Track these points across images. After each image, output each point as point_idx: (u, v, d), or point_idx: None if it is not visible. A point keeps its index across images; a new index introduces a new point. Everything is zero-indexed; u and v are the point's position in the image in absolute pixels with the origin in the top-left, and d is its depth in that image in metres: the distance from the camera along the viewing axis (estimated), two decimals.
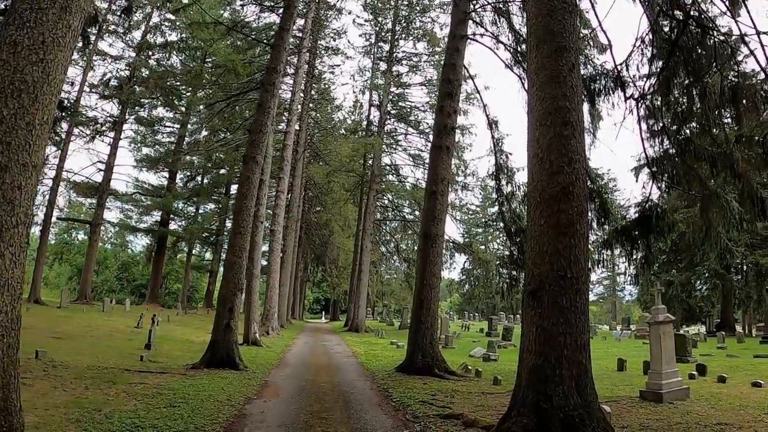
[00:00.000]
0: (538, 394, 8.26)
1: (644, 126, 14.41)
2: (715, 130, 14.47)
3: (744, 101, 13.67)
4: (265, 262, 36.70)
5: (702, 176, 13.86)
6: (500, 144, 21.56)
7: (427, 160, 21.49)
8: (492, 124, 21.84)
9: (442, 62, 21.19)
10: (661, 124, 14.40)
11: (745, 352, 26.46)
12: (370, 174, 44.14)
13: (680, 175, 14.37)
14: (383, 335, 36.33)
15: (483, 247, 70.29)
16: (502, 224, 21.72)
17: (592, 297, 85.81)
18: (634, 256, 15.49)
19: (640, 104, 14.13)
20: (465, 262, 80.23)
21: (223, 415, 10.39)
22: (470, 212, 70.78)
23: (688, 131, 14.81)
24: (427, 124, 43.62)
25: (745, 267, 42.07)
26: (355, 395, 13.25)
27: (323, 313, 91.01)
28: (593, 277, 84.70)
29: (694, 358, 22.45)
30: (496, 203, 21.98)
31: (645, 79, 14.66)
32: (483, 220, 78.67)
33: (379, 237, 54.27)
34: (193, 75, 33.40)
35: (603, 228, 17.40)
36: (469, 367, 18.36)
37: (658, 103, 14.54)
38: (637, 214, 15.53)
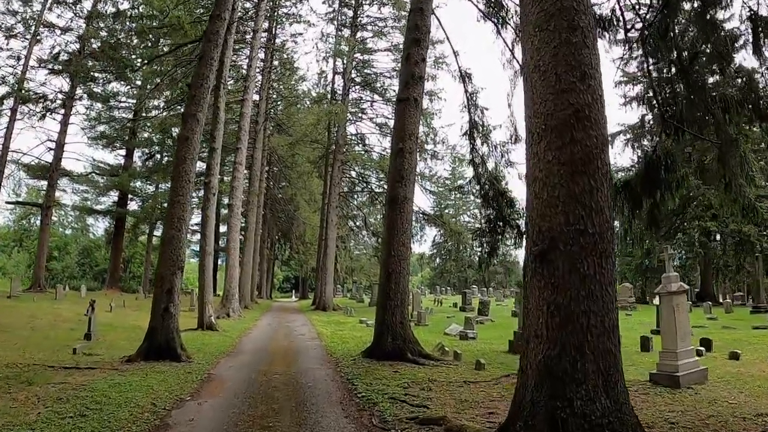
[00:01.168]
0: (553, 398, 5.89)
1: (651, 61, 11.96)
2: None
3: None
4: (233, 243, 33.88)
5: (719, 119, 11.46)
6: (474, 98, 19.07)
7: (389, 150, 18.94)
8: (465, 76, 19.34)
9: (407, 25, 18.71)
10: (668, 58, 11.96)
11: (739, 323, 24.62)
12: (335, 144, 41.27)
13: (691, 120, 11.94)
14: (352, 313, 33.76)
15: (453, 220, 67.94)
16: (477, 187, 19.24)
17: None
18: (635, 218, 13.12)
19: (647, 34, 11.63)
20: (435, 235, 78.26)
21: (138, 427, 7.88)
22: (440, 183, 68.58)
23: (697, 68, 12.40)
24: (394, 91, 40.87)
25: (723, 236, 40.36)
26: (312, 390, 10.81)
27: (293, 291, 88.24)
28: None
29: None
30: (471, 164, 19.48)
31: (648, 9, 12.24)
32: (456, 185, 76.48)
33: (347, 211, 51.67)
34: (137, 31, 30.15)
35: None
36: (446, 348, 16.00)
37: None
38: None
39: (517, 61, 17.49)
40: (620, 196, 12.83)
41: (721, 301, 39.87)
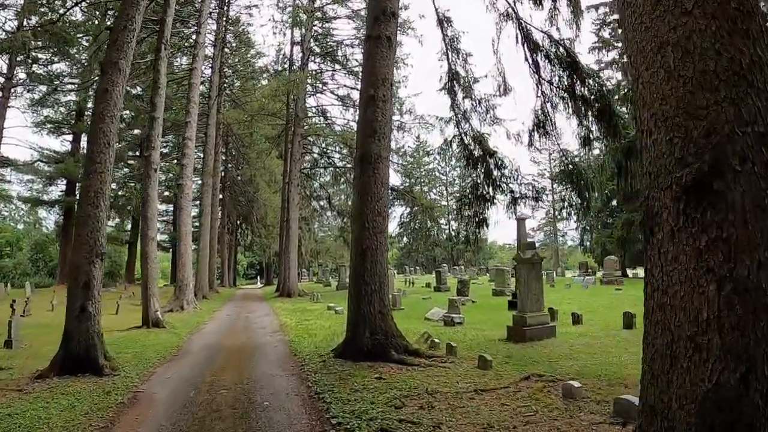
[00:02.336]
0: None
1: None
2: None
3: None
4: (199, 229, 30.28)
5: None
6: (455, 43, 16.03)
7: (358, 102, 15.67)
8: (443, 20, 16.20)
9: None
10: None
11: None
12: (294, 117, 37.64)
13: None
14: (319, 299, 30.36)
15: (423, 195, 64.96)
16: (458, 148, 16.24)
17: (510, 241, 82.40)
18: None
19: None
20: (403, 213, 75.22)
21: None
22: (408, 157, 65.53)
23: None
24: (357, 60, 37.55)
25: None
26: (269, 415, 7.72)
27: (258, 278, 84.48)
28: (533, 223, 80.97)
29: None
30: (451, 122, 16.45)
31: None
32: (424, 153, 73.69)
33: (310, 191, 48.24)
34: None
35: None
36: (435, 340, 13.04)
37: None
38: None
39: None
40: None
41: None
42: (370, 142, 12.08)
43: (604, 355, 11.73)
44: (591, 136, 13.87)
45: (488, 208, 16.13)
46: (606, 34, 44.40)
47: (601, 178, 15.09)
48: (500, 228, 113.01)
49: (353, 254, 12.35)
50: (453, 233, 73.79)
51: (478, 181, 15.95)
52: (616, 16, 39.01)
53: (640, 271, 57.04)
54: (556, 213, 73.27)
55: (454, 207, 74.44)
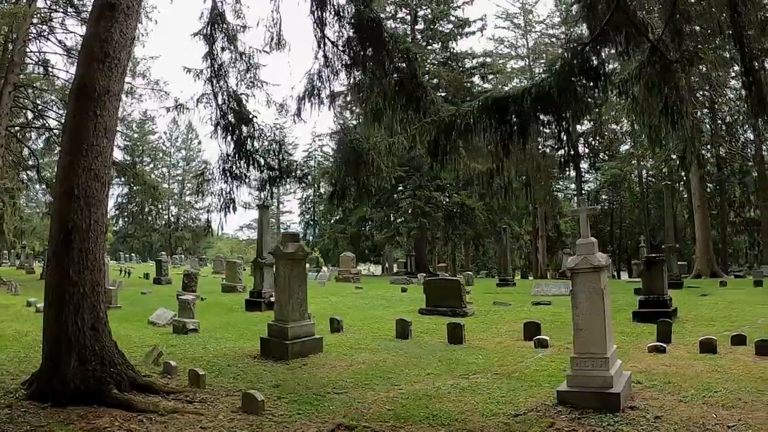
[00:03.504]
0: None
1: None
2: None
3: None
4: None
5: None
6: None
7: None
8: None
9: None
10: None
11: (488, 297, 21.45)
12: (9, 59, 29.42)
13: None
14: (18, 290, 23.27)
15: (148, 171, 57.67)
16: (207, 113, 12.60)
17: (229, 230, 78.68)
18: None
19: None
20: (120, 193, 66.84)
21: None
22: (133, 129, 58.42)
23: None
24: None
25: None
26: None
27: None
28: (254, 214, 77.48)
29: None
30: (202, 77, 12.73)
31: None
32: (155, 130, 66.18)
33: (19, 158, 39.30)
34: None
35: None
36: (171, 363, 9.21)
37: None
38: None
39: None
40: None
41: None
42: (96, 68, 7.89)
43: (400, 377, 9.23)
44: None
45: (237, 188, 12.77)
46: None
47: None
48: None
49: (53, 236, 8.00)
50: (173, 219, 67.90)
51: (229, 153, 12.46)
52: None
53: (373, 268, 57.28)
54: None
55: (176, 191, 68.63)
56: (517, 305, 19.06)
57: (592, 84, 8.36)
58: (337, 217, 54.26)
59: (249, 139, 12.23)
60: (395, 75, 10.88)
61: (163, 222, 69.34)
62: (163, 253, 43.86)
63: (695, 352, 10.53)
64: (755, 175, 43.58)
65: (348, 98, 12.25)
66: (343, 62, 11.50)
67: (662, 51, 7.98)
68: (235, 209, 12.49)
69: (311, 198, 60.41)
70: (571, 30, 56.25)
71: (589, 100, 8.75)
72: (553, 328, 13.68)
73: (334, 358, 10.72)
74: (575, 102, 8.39)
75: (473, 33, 44.63)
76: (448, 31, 44.33)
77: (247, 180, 12.30)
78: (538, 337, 12.02)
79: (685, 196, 48.01)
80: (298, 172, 12.29)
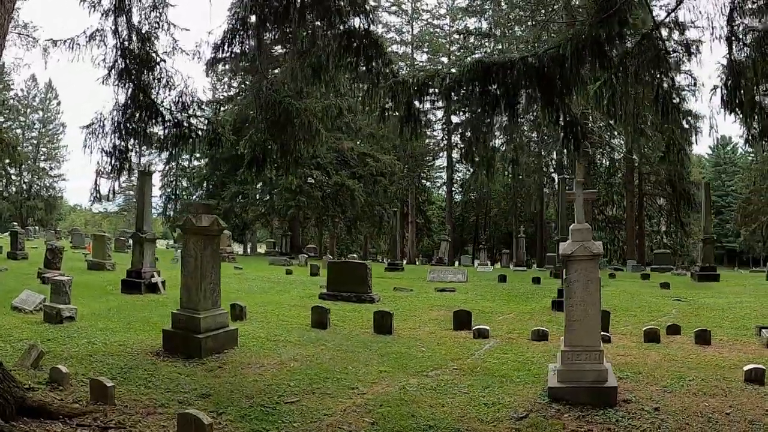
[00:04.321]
0: None
1: None
2: None
3: None
4: None
5: None
6: None
7: None
8: None
9: None
10: None
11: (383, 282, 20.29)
12: None
13: None
14: None
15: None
16: (107, 54, 10.12)
17: (113, 207, 72.43)
18: None
19: None
20: None
21: None
22: None
23: None
24: None
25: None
26: None
27: None
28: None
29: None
30: (97, 11, 10.23)
31: None
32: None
33: None
34: None
35: None
36: (61, 368, 6.79)
37: None
38: None
39: None
40: None
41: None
42: None
43: (349, 378, 7.74)
44: None
45: (134, 146, 10.43)
46: None
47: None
48: (74, 181, 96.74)
49: None
50: (25, 186, 60.52)
51: (126, 103, 10.05)
52: None
53: (236, 247, 54.07)
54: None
55: (30, 156, 61.21)
56: (420, 292, 17.87)
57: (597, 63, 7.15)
58: (200, 193, 50.86)
59: (153, 87, 9.91)
60: (342, 27, 9.03)
61: (14, 189, 61.18)
62: (14, 223, 38.39)
63: (640, 341, 10.30)
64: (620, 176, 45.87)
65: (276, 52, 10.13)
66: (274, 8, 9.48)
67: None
68: (130, 170, 10.14)
69: (173, 171, 55.80)
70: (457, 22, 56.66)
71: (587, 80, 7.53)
72: (479, 317, 12.65)
73: (255, 354, 8.82)
74: (574, 79, 7.14)
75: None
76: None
77: (146, 137, 9.97)
78: (478, 327, 11.13)
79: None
80: (210, 131, 10.04)
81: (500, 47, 51.12)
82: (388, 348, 9.69)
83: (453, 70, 8.07)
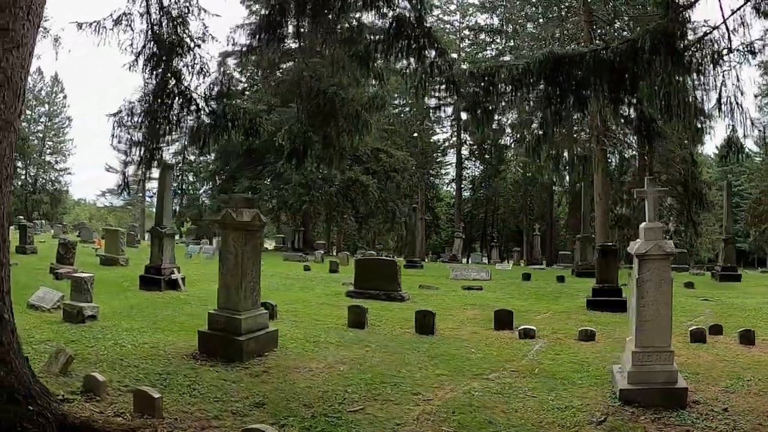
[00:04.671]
0: None
1: None
2: None
3: None
4: None
5: None
6: None
7: None
8: None
9: None
10: None
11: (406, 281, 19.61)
12: None
13: None
14: None
15: None
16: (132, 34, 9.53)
17: (119, 202, 71.39)
18: None
19: None
20: None
21: None
22: None
23: None
24: None
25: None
26: None
27: None
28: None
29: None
30: None
31: None
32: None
33: None
34: None
35: None
36: (96, 376, 6.09)
37: None
38: None
39: None
40: None
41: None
42: None
43: (407, 382, 7.20)
44: None
45: (163, 136, 9.76)
46: None
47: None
48: (82, 174, 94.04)
49: None
50: (30, 180, 59.71)
51: (157, 91, 9.41)
52: None
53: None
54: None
55: (36, 148, 60.45)
56: (447, 290, 17.32)
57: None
58: (207, 187, 50.08)
59: (186, 74, 9.26)
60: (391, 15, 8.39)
61: (19, 183, 60.34)
62: (20, 217, 37.67)
63: (686, 341, 9.83)
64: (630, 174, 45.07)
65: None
66: None
67: None
68: (159, 163, 9.47)
69: (180, 165, 55.07)
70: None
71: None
72: (516, 316, 12.11)
73: (298, 356, 8.19)
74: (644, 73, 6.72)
75: None
76: None
77: (180, 126, 9.31)
78: (523, 327, 10.61)
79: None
80: (246, 121, 9.35)
81: (512, 44, 50.41)
82: (435, 349, 9.13)
83: (519, 62, 7.51)
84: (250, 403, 6.01)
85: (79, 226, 41.64)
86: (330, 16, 9.11)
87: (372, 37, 8.58)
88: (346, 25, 8.97)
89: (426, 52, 8.18)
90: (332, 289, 16.31)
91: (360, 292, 14.56)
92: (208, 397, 6.13)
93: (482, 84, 7.34)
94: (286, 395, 6.34)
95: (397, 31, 8.20)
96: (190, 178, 57.60)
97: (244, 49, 9.83)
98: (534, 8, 48.39)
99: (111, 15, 9.59)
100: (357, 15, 9.33)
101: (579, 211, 47.75)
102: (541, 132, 7.60)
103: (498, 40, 53.42)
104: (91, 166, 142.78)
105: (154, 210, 75.68)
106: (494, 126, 48.76)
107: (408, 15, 8.35)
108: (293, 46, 13.69)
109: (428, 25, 8.45)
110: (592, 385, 7.25)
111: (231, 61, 38.17)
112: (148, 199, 67.86)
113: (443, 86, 8.10)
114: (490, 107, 7.35)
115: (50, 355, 6.78)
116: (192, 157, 54.82)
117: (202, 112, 9.27)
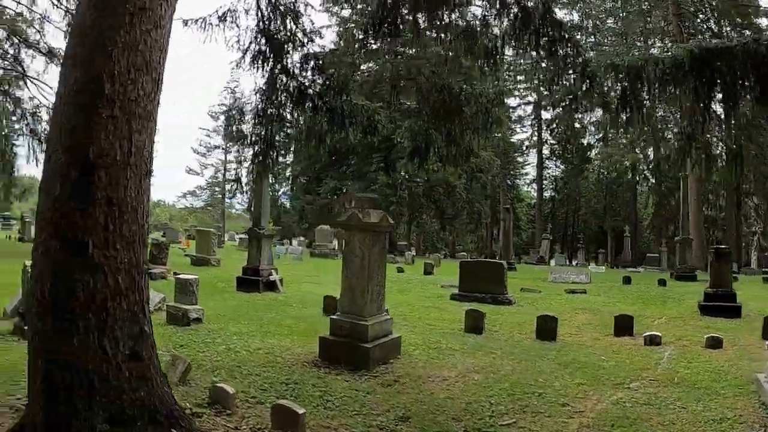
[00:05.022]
0: None
1: None
2: None
3: None
4: None
5: None
6: None
7: None
8: None
9: None
10: None
11: None
12: None
13: None
14: None
15: None
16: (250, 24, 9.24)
17: (199, 203, 72.87)
18: None
19: None
20: None
21: None
22: None
23: None
24: None
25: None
26: None
27: None
28: (200, 180, 70.64)
29: None
30: None
31: None
32: None
33: None
34: None
35: None
36: (227, 389, 5.70)
37: None
38: None
39: None
40: None
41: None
42: None
43: (549, 392, 6.70)
44: None
45: (277, 132, 9.40)
46: None
47: None
48: (162, 173, 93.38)
49: (51, 174, 4.30)
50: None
51: (271, 86, 9.06)
52: None
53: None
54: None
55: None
56: (549, 293, 16.46)
57: None
58: (286, 188, 50.36)
59: (299, 70, 8.88)
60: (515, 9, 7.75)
61: None
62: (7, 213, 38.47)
63: None
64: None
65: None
66: None
67: None
68: (277, 159, 9.10)
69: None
70: None
71: None
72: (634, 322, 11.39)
73: (424, 364, 7.70)
74: None
75: None
76: None
77: (296, 123, 8.95)
78: (649, 333, 9.94)
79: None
80: (364, 118, 8.88)
81: (592, 40, 48.76)
82: (563, 356, 8.52)
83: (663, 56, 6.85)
84: (394, 416, 5.53)
85: (163, 226, 42.58)
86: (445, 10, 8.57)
87: (496, 31, 8.01)
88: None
89: (558, 45, 7.55)
90: (431, 291, 15.78)
91: (465, 294, 14.03)
92: (345, 410, 5.68)
93: (628, 79, 6.68)
94: (429, 407, 5.84)
95: (523, 24, 7.61)
96: (270, 180, 58.29)
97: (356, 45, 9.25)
98: (614, 2, 46.68)
99: (216, 11, 9.37)
100: (470, 8, 8.82)
101: (664, 211, 45.65)
102: (690, 129, 6.87)
103: (578, 37, 51.75)
104: (160, 168, 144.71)
105: (233, 211, 77.13)
106: (576, 125, 47.34)
107: (533, 6, 7.73)
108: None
109: (557, 18, 7.78)
110: (737, 395, 6.76)
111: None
112: (227, 200, 69.01)
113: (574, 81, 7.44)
114: (643, 102, 6.67)
115: (165, 362, 6.44)
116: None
117: (319, 111, 8.85)
